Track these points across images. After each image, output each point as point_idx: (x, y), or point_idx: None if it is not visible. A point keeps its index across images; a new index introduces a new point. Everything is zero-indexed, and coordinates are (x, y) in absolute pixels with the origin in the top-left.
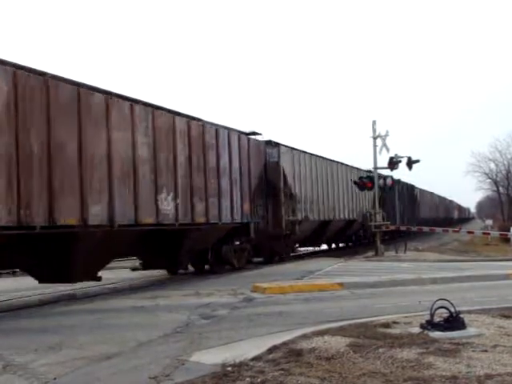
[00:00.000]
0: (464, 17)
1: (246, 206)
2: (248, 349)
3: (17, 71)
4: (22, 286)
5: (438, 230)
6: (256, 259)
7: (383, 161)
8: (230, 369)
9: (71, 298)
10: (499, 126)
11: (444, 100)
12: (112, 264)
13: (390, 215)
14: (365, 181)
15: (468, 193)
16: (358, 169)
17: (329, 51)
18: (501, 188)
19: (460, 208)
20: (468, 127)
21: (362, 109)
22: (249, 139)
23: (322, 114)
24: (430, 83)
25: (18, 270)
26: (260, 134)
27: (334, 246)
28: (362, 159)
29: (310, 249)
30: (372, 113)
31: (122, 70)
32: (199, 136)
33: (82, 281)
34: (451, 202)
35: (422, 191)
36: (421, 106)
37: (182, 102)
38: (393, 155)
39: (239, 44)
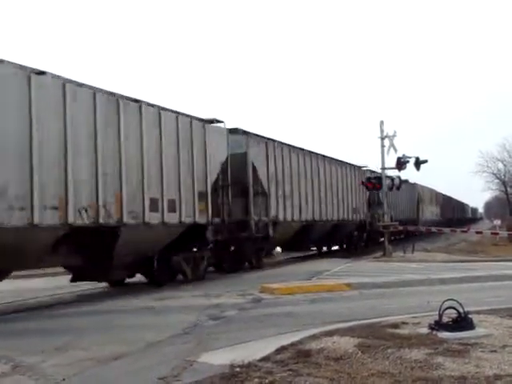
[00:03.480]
0: (470, 16)
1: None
2: (256, 349)
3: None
4: (34, 287)
5: (446, 230)
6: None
7: (391, 161)
8: (238, 369)
9: (80, 299)
10: (504, 125)
11: (447, 99)
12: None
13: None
14: (373, 182)
15: (476, 193)
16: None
17: (334, 53)
18: (509, 188)
19: (448, 201)
20: (473, 126)
21: (368, 109)
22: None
23: (328, 115)
24: (434, 82)
25: None
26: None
27: (325, 249)
28: (369, 159)
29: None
30: (377, 113)
31: (115, 66)
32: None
33: None
34: (423, 188)
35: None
36: (424, 106)
37: (191, 102)
38: (400, 155)
39: (244, 43)
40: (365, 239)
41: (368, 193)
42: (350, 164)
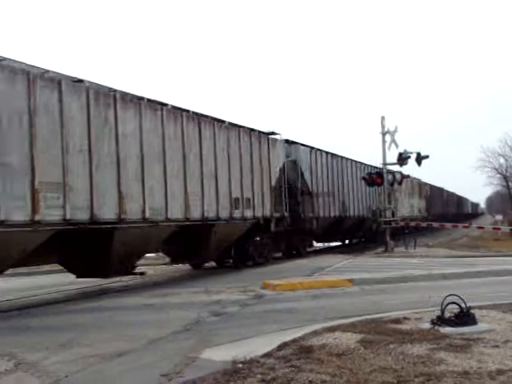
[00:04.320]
0: (471, 13)
1: None
2: (258, 345)
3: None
4: (33, 285)
5: (448, 225)
6: None
7: (393, 156)
8: (240, 365)
9: (82, 296)
10: (506, 121)
11: (450, 95)
12: None
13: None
14: (374, 176)
15: (478, 188)
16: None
17: (336, 50)
18: (511, 183)
19: (438, 193)
20: (475, 122)
21: (371, 104)
22: None
23: (331, 111)
24: (437, 79)
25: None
26: None
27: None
28: (371, 155)
29: None
30: (379, 108)
31: (135, 69)
32: None
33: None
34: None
35: None
36: (427, 102)
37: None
38: (402, 151)
39: (248, 42)
40: (268, 246)
41: (277, 177)
42: (233, 125)
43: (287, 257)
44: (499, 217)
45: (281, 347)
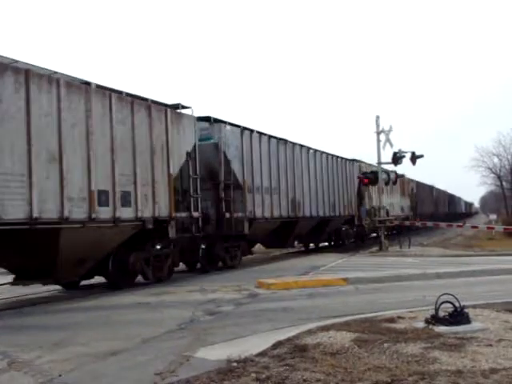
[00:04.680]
0: (467, 13)
1: None
2: (253, 344)
3: None
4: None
5: (443, 225)
6: None
7: (388, 156)
8: (235, 364)
9: (75, 296)
10: (502, 120)
11: (446, 95)
12: None
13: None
14: (370, 176)
15: (472, 187)
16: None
17: (333, 48)
18: (504, 183)
19: (427, 191)
20: (472, 122)
21: (365, 104)
22: None
23: (325, 110)
24: (434, 78)
25: None
26: None
27: None
28: (367, 154)
29: None
30: (375, 108)
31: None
32: None
33: None
34: None
35: None
36: (423, 101)
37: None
38: (396, 150)
39: (245, 42)
40: (171, 258)
41: (182, 164)
42: (102, 88)
43: (203, 271)
44: (493, 216)
45: (275, 346)
